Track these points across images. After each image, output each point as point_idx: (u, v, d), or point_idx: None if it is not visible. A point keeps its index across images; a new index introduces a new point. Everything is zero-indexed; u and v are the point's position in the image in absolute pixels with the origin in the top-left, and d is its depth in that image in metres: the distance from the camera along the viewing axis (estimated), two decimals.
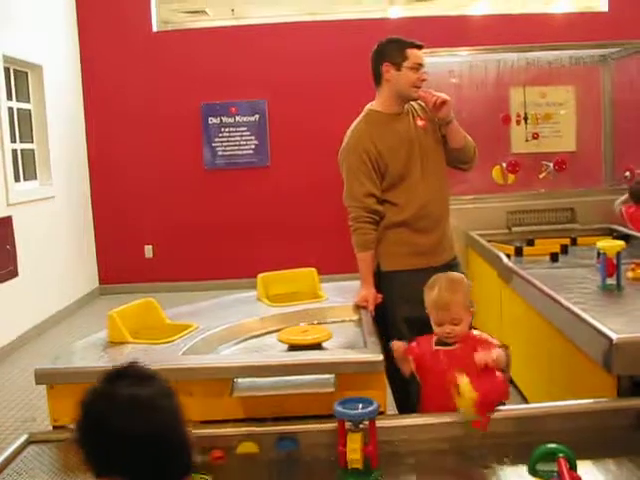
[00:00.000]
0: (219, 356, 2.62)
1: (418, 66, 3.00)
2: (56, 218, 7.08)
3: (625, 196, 4.59)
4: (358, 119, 3.15)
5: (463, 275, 2.60)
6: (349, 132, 3.13)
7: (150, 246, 8.09)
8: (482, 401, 2.08)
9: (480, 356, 2.17)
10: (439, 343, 2.41)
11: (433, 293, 2.41)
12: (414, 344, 2.45)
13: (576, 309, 2.77)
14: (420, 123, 3.10)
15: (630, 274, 3.32)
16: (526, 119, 6.02)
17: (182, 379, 2.36)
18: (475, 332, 2.43)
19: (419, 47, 3.03)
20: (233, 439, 2.25)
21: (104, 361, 2.49)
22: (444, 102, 2.99)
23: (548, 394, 3.14)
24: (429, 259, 3.08)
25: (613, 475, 2.01)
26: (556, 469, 1.85)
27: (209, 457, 2.17)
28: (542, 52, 5.60)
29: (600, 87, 5.82)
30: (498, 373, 2.20)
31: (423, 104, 3.12)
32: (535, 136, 6.04)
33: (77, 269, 7.63)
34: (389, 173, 3.03)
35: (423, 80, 3.03)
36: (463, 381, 2.09)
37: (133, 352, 2.56)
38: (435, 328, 2.41)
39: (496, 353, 2.21)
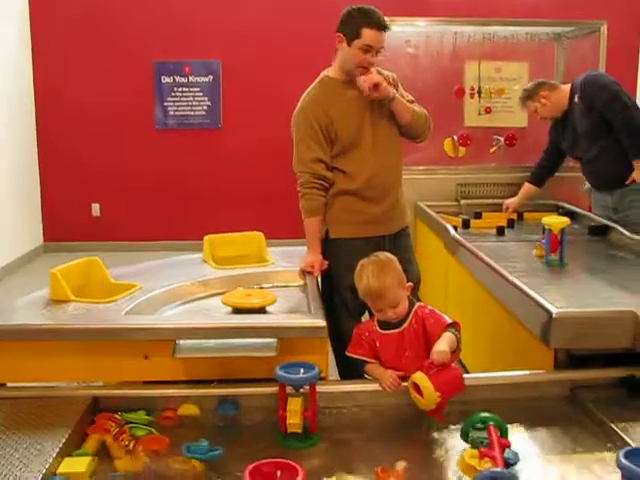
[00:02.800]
0: (161, 317, 2.60)
1: (368, 48, 2.91)
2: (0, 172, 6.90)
3: None
4: (312, 85, 3.12)
5: (387, 253, 2.47)
6: (302, 97, 3.10)
7: (97, 204, 7.95)
8: (443, 400, 2.08)
9: (436, 356, 2.10)
10: (383, 325, 2.36)
11: (362, 283, 2.32)
12: (363, 342, 2.38)
13: (518, 282, 2.81)
14: None
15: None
16: (480, 93, 6.05)
17: (124, 339, 2.36)
18: (422, 307, 2.36)
19: (381, 28, 2.91)
20: (174, 401, 2.25)
21: (45, 319, 2.46)
22: (376, 86, 2.93)
23: (489, 365, 3.19)
24: (378, 228, 3.10)
25: (542, 442, 2.07)
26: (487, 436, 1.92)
27: (160, 416, 2.19)
28: (499, 27, 5.62)
29: (553, 65, 5.87)
30: (454, 364, 2.19)
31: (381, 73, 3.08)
32: (488, 110, 6.07)
33: (21, 225, 7.45)
34: (339, 140, 3.01)
35: (370, 63, 2.95)
36: (423, 383, 2.06)
37: (75, 311, 2.52)
38: (376, 314, 2.36)
39: (448, 342, 2.16)
